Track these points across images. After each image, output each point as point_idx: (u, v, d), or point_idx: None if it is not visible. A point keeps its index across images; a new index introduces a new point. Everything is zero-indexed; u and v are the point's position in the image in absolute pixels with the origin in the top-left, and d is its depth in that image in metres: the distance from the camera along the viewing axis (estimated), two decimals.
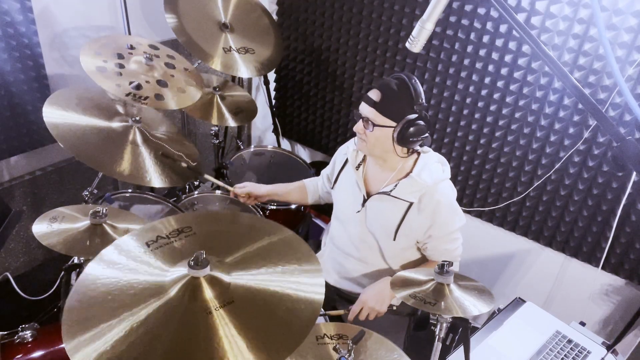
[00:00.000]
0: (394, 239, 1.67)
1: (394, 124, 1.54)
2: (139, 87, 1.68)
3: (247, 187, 1.94)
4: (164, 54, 1.89)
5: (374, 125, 1.55)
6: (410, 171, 1.64)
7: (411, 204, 1.61)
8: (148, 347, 0.87)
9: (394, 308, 1.66)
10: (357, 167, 1.74)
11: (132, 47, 1.80)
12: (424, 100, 1.53)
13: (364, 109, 1.57)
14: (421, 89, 1.54)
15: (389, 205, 1.65)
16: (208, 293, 0.97)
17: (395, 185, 1.62)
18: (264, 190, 1.96)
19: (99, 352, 0.85)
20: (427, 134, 1.56)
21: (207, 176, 1.90)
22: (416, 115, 1.52)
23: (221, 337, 0.89)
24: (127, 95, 1.64)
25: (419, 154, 1.67)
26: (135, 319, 0.91)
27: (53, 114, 1.56)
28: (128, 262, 1.04)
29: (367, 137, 1.59)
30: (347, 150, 1.81)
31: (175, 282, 0.99)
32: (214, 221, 1.23)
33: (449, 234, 1.66)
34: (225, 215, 1.24)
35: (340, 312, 1.67)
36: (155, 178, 1.65)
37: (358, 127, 1.61)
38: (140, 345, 0.87)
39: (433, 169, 1.63)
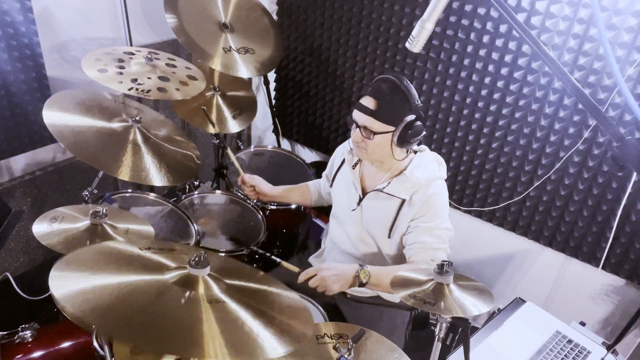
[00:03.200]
0: (389, 237, 1.67)
1: (392, 128, 1.54)
2: (140, 82, 1.69)
3: (255, 180, 1.96)
4: (164, 56, 1.91)
5: (374, 133, 1.54)
6: (405, 169, 1.64)
7: (403, 200, 1.62)
8: (128, 305, 0.88)
9: (347, 296, 1.67)
10: (354, 167, 1.75)
11: (131, 54, 1.81)
12: (418, 100, 1.54)
13: (360, 117, 1.55)
14: (414, 89, 1.54)
15: (383, 203, 1.66)
16: (201, 290, 0.99)
17: (389, 183, 1.63)
18: (268, 191, 1.97)
19: (80, 287, 0.88)
20: (424, 132, 1.57)
21: (229, 150, 2.08)
22: (414, 116, 1.53)
23: (204, 329, 0.89)
24: (130, 90, 1.64)
25: (415, 152, 1.68)
26: (125, 279, 0.92)
27: (52, 115, 1.56)
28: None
29: (367, 145, 1.58)
30: (344, 150, 1.81)
31: (174, 275, 1.01)
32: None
33: (434, 228, 1.59)
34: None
35: (296, 269, 1.63)
36: (157, 177, 1.65)
37: (357, 136, 1.58)
38: (121, 301, 0.88)
39: (429, 167, 1.64)
